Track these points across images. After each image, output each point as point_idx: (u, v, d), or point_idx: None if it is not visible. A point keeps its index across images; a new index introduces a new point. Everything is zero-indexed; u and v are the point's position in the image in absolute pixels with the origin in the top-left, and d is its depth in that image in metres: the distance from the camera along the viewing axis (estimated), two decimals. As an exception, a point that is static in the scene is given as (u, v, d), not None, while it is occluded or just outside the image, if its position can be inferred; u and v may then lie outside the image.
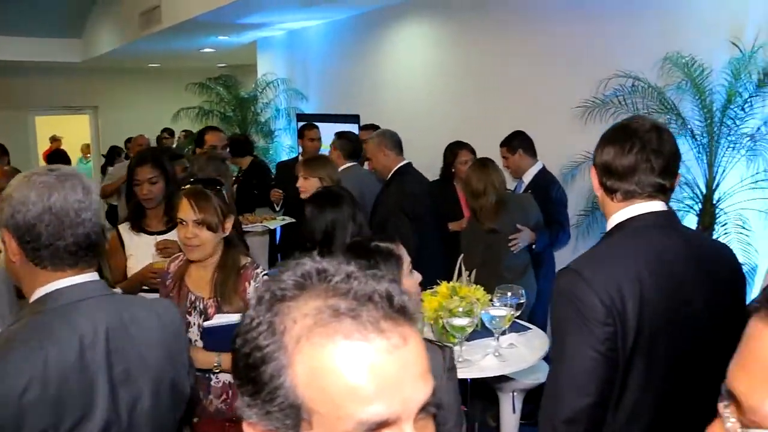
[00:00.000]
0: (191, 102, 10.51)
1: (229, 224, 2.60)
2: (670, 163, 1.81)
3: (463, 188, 4.62)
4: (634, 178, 1.77)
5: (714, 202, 4.56)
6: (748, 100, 4.38)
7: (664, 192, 1.81)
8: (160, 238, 3.29)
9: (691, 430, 1.37)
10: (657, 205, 1.80)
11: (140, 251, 3.30)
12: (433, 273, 3.92)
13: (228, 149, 5.77)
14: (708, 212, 4.54)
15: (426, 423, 0.78)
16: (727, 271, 1.90)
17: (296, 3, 7.64)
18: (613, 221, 1.84)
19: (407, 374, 0.74)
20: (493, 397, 3.83)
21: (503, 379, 3.40)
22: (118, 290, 2.71)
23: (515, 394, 3.64)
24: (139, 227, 3.37)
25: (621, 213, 1.82)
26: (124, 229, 3.40)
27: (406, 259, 2.16)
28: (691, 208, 4.62)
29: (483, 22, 6.58)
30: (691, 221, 4.57)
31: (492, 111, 6.31)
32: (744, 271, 2.56)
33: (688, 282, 1.76)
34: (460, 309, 2.89)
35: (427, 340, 2.24)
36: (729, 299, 1.83)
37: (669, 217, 1.84)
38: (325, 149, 6.28)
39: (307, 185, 4.02)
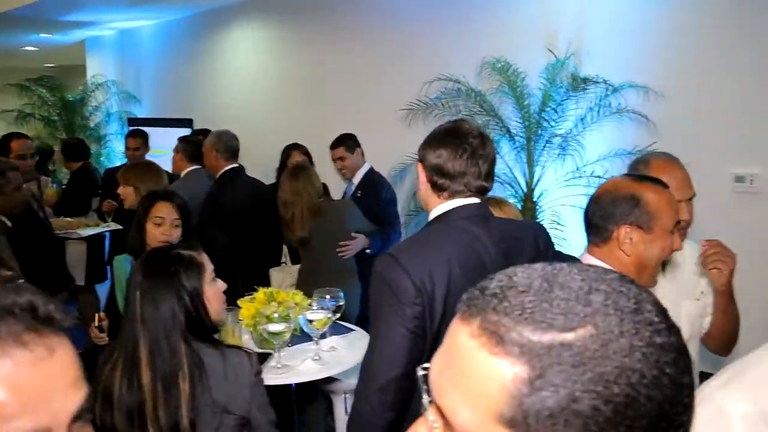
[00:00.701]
0: (9, 105, 9.71)
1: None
2: (492, 168, 1.98)
3: None
4: (464, 180, 1.91)
5: (534, 199, 4.79)
6: (561, 103, 4.64)
7: (484, 192, 1.99)
8: None
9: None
10: (473, 200, 1.95)
11: None
12: (256, 279, 3.82)
13: (37, 157, 5.38)
14: (529, 209, 4.76)
15: (86, 429, 0.79)
16: (532, 248, 2.03)
17: (123, 1, 7.27)
18: (433, 213, 1.98)
19: (55, 385, 0.74)
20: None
21: (334, 381, 3.36)
22: None
23: (347, 395, 3.60)
24: None
25: (442, 206, 1.96)
26: None
27: (209, 267, 2.10)
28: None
29: (316, 26, 6.59)
30: (513, 219, 4.76)
31: (325, 113, 6.33)
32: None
33: (494, 269, 1.81)
34: (276, 315, 2.81)
35: (234, 347, 2.16)
36: None
37: (482, 209, 1.97)
38: (161, 155, 6.06)
39: (124, 193, 3.89)
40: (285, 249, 4.72)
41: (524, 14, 5.06)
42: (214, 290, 2.09)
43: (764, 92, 3.92)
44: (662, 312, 0.63)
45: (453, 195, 1.94)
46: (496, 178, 4.84)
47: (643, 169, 2.10)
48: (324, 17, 6.48)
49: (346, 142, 4.93)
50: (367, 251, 4.37)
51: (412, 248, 1.93)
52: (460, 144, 1.92)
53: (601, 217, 1.76)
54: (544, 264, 0.66)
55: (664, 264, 2.17)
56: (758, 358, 1.26)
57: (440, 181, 1.94)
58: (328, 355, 2.99)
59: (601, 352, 0.57)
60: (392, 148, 5.12)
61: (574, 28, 4.77)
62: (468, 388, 0.61)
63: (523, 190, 4.82)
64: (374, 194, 4.77)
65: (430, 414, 0.66)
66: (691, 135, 4.13)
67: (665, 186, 1.78)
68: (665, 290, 2.15)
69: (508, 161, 4.87)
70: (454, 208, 1.94)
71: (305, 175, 4.14)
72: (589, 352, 0.56)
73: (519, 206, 4.79)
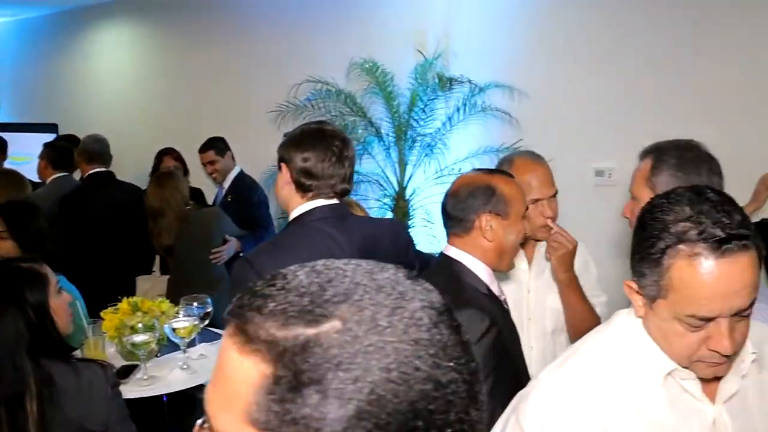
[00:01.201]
0: None
1: None
2: (353, 170, 2.09)
3: None
4: (330, 182, 2.00)
5: (407, 197, 4.88)
6: (429, 102, 4.75)
7: (346, 194, 2.10)
8: None
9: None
10: (332, 201, 2.03)
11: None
12: (123, 288, 3.66)
13: None
14: (401, 207, 4.84)
15: None
16: (391, 245, 2.12)
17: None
18: (294, 213, 2.03)
19: None
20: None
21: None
22: None
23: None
24: None
25: (303, 206, 2.01)
26: None
27: (53, 279, 2.01)
28: (387, 204, 4.90)
29: (184, 28, 6.44)
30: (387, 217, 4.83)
31: (196, 116, 6.19)
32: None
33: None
34: (141, 325, 2.72)
35: (88, 360, 2.08)
36: None
37: (339, 210, 2.05)
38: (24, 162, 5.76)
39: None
40: (157, 258, 4.57)
41: (393, 16, 5.14)
42: (59, 303, 2.02)
43: (620, 91, 4.16)
44: (438, 310, 0.61)
45: (315, 197, 2.00)
46: (368, 177, 4.90)
47: (508, 169, 2.18)
48: (193, 20, 6.33)
49: (216, 146, 4.86)
50: (241, 255, 4.30)
51: (266, 251, 1.99)
52: (327, 147, 1.99)
53: (461, 209, 1.82)
54: (334, 261, 0.64)
55: (531, 259, 2.29)
56: (582, 342, 1.35)
57: (307, 182, 1.99)
58: (197, 363, 2.92)
59: (349, 348, 0.54)
60: (263, 151, 5.04)
61: (441, 30, 4.89)
62: (225, 389, 0.60)
63: (394, 189, 4.90)
64: (246, 197, 4.72)
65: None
66: (555, 132, 4.34)
67: (512, 177, 1.90)
68: (532, 285, 2.26)
69: (379, 161, 4.94)
70: (312, 209, 2.00)
71: (171, 182, 4.04)
72: (335, 348, 0.54)
73: (391, 205, 4.87)
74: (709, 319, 1.07)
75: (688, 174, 1.71)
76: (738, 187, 1.74)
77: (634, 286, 1.18)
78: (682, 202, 1.08)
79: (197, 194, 5.03)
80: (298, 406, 0.54)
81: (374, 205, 4.91)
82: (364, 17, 5.26)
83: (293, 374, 0.54)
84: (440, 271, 1.83)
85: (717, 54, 3.87)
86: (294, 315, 0.57)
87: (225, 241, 4.15)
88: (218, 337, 3.24)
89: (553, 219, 2.21)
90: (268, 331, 0.57)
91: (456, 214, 1.84)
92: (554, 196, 2.23)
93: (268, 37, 5.68)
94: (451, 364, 0.58)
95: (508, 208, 1.81)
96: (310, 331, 0.56)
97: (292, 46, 5.51)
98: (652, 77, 4.06)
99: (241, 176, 4.88)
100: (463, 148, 4.75)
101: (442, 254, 1.90)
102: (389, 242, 2.11)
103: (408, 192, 4.88)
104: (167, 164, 5.01)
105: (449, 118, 4.73)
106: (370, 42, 5.12)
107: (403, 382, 0.54)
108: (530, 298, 2.25)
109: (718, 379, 1.19)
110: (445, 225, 1.92)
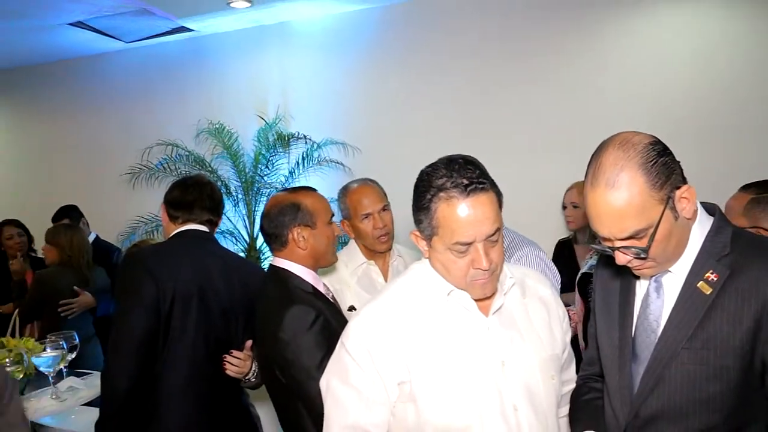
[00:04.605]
0: None
1: None
2: (218, 206, 2.61)
3: None
4: (194, 211, 2.52)
5: (258, 247, 5.29)
6: (271, 159, 5.27)
7: (211, 224, 2.58)
8: None
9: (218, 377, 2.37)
10: (202, 227, 2.54)
11: None
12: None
13: None
14: (252, 257, 5.23)
15: None
16: (246, 277, 2.55)
17: None
18: (171, 233, 2.53)
19: None
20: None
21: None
22: None
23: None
24: None
25: (177, 229, 2.52)
26: None
27: None
28: (241, 256, 5.28)
29: (32, 101, 6.63)
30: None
31: (50, 188, 6.31)
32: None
33: (216, 273, 2.46)
34: (8, 360, 2.91)
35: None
36: (242, 294, 2.50)
37: (208, 234, 2.58)
38: None
39: None
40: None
41: (239, 84, 5.69)
42: None
43: (434, 146, 4.87)
44: None
45: (185, 222, 2.53)
46: (220, 233, 5.30)
47: (345, 193, 2.71)
48: (38, 92, 6.56)
49: (70, 214, 4.95)
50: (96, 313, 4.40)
51: (152, 253, 2.51)
52: (190, 186, 2.59)
53: (275, 227, 2.16)
54: None
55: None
56: (389, 283, 1.80)
57: (176, 213, 2.54)
58: (67, 395, 3.10)
59: None
60: (121, 212, 5.34)
61: (280, 96, 5.50)
62: None
63: (246, 242, 5.30)
64: (106, 260, 4.85)
65: None
66: (386, 182, 4.95)
67: (314, 190, 2.30)
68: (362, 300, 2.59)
69: (230, 217, 5.34)
70: (187, 230, 2.52)
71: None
72: None
73: (243, 257, 5.27)
74: (468, 244, 1.48)
75: None
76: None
77: (417, 233, 1.58)
78: (439, 167, 1.52)
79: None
80: None
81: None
82: (210, 85, 5.76)
83: None
84: (270, 280, 2.17)
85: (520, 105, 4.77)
86: None
87: (76, 294, 4.22)
88: (87, 374, 3.46)
89: (388, 229, 2.67)
90: None
91: (272, 232, 2.17)
92: (384, 209, 2.69)
93: (118, 105, 6.04)
94: None
95: (314, 218, 2.16)
96: None
97: (142, 113, 5.91)
98: (467, 128, 4.85)
99: (97, 242, 4.98)
100: (306, 198, 5.26)
101: (271, 266, 2.23)
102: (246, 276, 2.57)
103: (258, 243, 5.29)
104: (8, 233, 5.04)
105: (291, 172, 5.25)
106: (215, 107, 5.62)
107: None
108: None
109: (489, 301, 1.61)
110: (267, 242, 2.26)
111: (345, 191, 2.74)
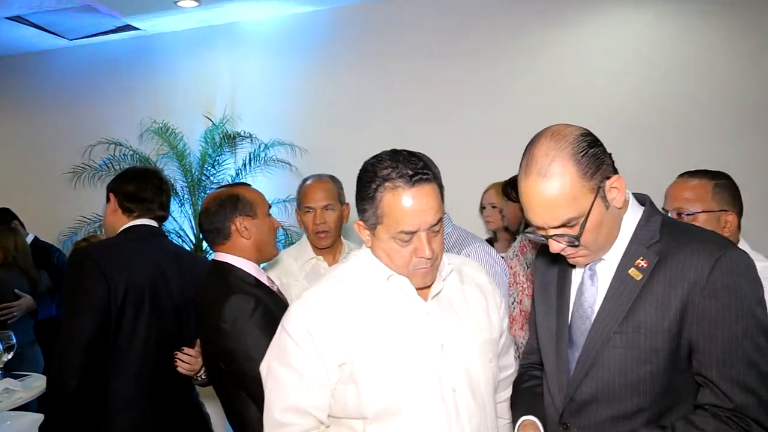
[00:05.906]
0: None
1: None
2: (169, 202, 2.60)
3: None
4: (151, 206, 2.50)
5: (203, 248, 5.24)
6: (218, 159, 5.24)
7: (162, 219, 2.58)
8: None
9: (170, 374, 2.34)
10: (153, 222, 2.52)
11: None
12: None
13: None
14: (199, 258, 5.18)
15: None
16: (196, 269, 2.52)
17: None
18: (122, 228, 2.48)
19: None
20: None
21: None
22: None
23: None
24: None
25: (129, 223, 2.47)
26: None
27: None
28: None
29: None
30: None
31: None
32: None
33: (168, 270, 2.45)
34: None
35: None
36: (194, 291, 2.45)
37: (159, 230, 2.55)
38: None
39: None
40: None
41: (186, 85, 5.64)
42: None
43: (382, 147, 4.92)
44: None
45: (137, 217, 2.49)
46: (166, 232, 5.27)
47: (300, 184, 2.87)
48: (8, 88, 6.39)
49: (1, 217, 4.85)
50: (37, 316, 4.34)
51: (102, 247, 2.45)
52: (148, 179, 2.54)
53: (217, 221, 2.18)
54: None
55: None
56: (330, 269, 1.81)
57: (131, 205, 2.49)
58: (4, 396, 3.04)
59: None
60: (62, 212, 5.23)
61: (228, 95, 5.47)
62: None
63: (192, 242, 5.25)
64: (45, 261, 4.74)
65: None
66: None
67: (249, 185, 2.33)
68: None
69: (176, 217, 5.28)
70: (139, 225, 2.48)
71: None
72: None
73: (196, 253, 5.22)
74: (412, 233, 1.52)
75: None
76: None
77: (361, 223, 1.61)
78: (384, 158, 1.57)
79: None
80: None
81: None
82: (156, 84, 5.71)
83: None
84: (212, 273, 2.19)
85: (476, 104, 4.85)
86: None
87: (17, 297, 4.15)
88: (25, 375, 3.39)
89: (327, 227, 2.75)
90: None
91: (213, 227, 2.19)
92: (327, 207, 2.76)
93: (61, 103, 5.93)
94: None
95: (254, 208, 2.20)
96: None
97: (86, 111, 5.81)
98: (419, 127, 4.91)
99: (36, 243, 4.87)
100: (254, 198, 5.25)
101: (213, 260, 2.25)
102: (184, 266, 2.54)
103: (205, 243, 5.24)
104: None
105: (237, 172, 5.23)
106: (161, 107, 5.56)
107: None
108: None
109: (429, 288, 1.66)
110: (207, 239, 2.27)
111: (301, 183, 2.89)
